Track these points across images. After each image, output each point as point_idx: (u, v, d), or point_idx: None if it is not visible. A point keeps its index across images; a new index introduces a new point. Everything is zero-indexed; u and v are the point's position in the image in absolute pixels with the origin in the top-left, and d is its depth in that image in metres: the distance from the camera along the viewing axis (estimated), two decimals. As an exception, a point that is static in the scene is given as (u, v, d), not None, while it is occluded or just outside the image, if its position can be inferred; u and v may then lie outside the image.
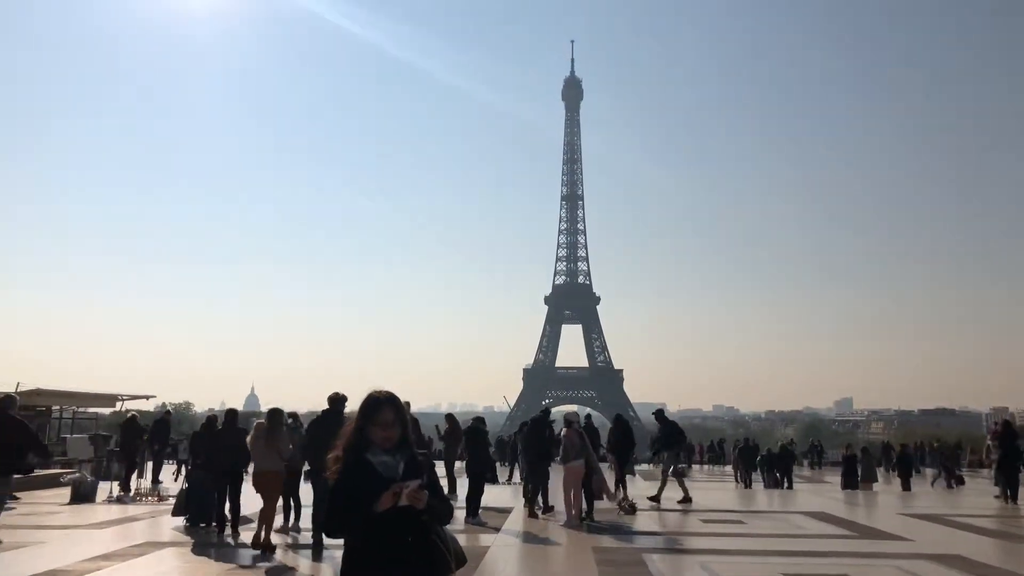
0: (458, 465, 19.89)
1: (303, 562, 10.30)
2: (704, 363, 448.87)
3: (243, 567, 10.05)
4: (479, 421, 16.61)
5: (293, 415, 14.45)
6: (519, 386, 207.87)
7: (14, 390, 21.31)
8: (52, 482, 20.25)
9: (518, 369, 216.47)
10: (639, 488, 21.17)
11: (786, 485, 28.23)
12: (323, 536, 10.33)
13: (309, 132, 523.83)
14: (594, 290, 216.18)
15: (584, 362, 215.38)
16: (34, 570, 9.39)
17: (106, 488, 18.85)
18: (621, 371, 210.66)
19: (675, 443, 18.36)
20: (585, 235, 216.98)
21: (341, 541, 3.66)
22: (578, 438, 14.38)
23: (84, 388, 29.74)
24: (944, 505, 20.20)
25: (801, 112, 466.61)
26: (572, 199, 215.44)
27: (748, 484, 29.10)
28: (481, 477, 15.18)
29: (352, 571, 3.57)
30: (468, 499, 14.66)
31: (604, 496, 15.32)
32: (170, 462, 29.36)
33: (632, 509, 15.77)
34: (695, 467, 45.35)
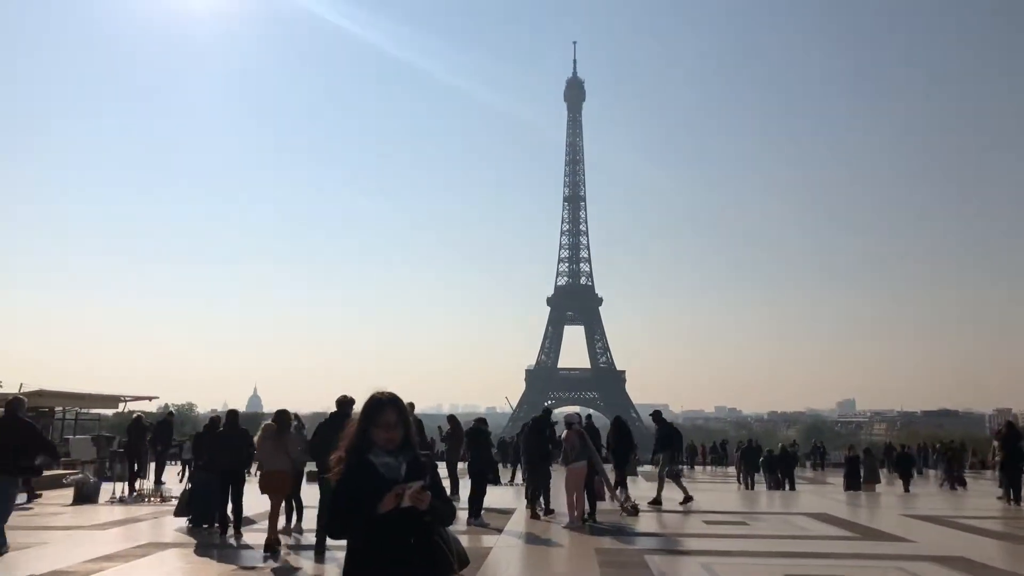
0: (460, 466, 19.90)
1: (306, 563, 10.30)
2: (706, 364, 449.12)
3: (246, 568, 10.06)
4: (481, 422, 16.62)
5: (295, 416, 14.49)
6: (521, 387, 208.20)
7: (17, 391, 21.36)
8: (55, 483, 20.28)
9: (520, 370, 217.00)
10: (641, 490, 21.16)
11: (788, 486, 28.20)
12: (326, 537, 10.37)
13: (310, 132, 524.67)
14: (596, 291, 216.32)
15: (586, 363, 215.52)
16: (37, 571, 9.40)
17: (109, 489, 18.88)
18: (623, 372, 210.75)
19: (670, 444, 18.35)
20: (587, 236, 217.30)
21: (344, 542, 3.67)
22: (579, 439, 14.36)
23: (87, 389, 29.78)
24: (947, 506, 20.18)
25: (803, 113, 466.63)
26: (574, 200, 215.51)
27: (750, 485, 29.10)
28: (483, 478, 15.19)
29: (355, 572, 3.57)
30: (470, 500, 14.67)
31: (606, 497, 15.32)
32: (173, 463, 29.43)
33: (635, 510, 15.77)
34: (698, 468, 45.39)
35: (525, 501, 15.97)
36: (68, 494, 18.12)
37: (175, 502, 14.84)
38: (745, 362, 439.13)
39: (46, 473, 20.30)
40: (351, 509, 3.54)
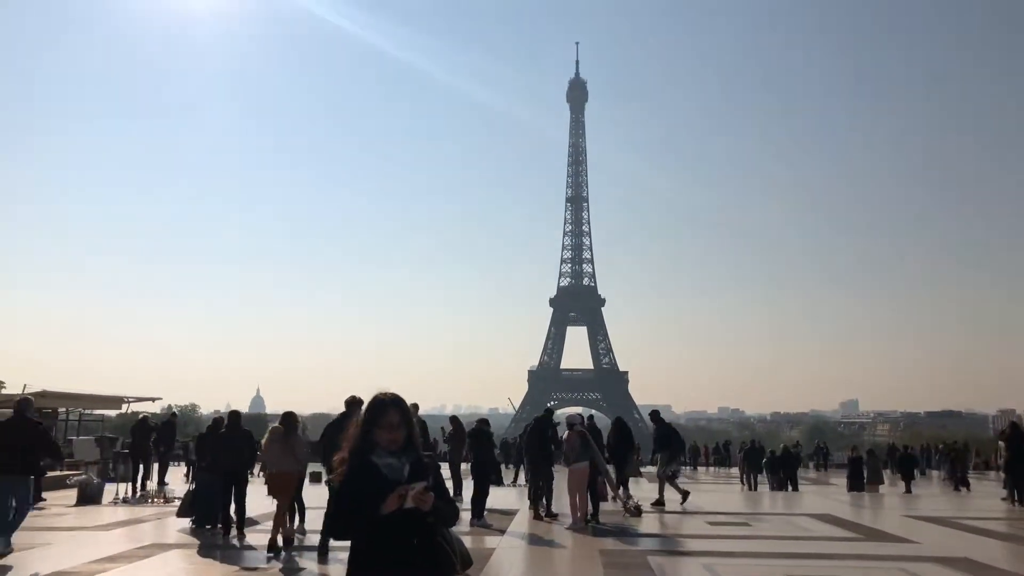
0: (463, 467, 19.91)
1: (309, 564, 10.31)
2: (709, 365, 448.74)
3: (249, 569, 10.08)
4: (483, 423, 16.64)
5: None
6: (524, 388, 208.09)
7: (21, 391, 21.40)
8: (59, 484, 20.32)
9: (523, 371, 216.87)
10: (644, 491, 21.14)
11: (791, 487, 28.16)
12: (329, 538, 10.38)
13: (311, 133, 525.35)
14: (599, 292, 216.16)
15: (589, 364, 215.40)
16: (41, 572, 9.42)
17: (112, 490, 18.91)
18: (626, 373, 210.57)
19: (669, 444, 18.33)
20: (590, 237, 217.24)
21: (347, 543, 3.67)
22: (579, 440, 14.34)
23: (90, 390, 29.82)
24: (950, 507, 20.14)
25: (805, 113, 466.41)
26: (577, 201, 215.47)
27: (753, 487, 29.05)
28: (486, 479, 15.19)
29: (358, 573, 3.58)
30: (473, 501, 14.68)
31: (608, 498, 15.31)
32: (177, 464, 29.47)
33: (637, 511, 15.75)
34: (700, 469, 45.36)
35: (528, 502, 15.97)
36: (72, 495, 18.16)
37: (178, 503, 14.87)
38: (748, 363, 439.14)
39: (50, 474, 20.36)
40: (354, 510, 3.54)
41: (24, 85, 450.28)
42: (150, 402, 32.10)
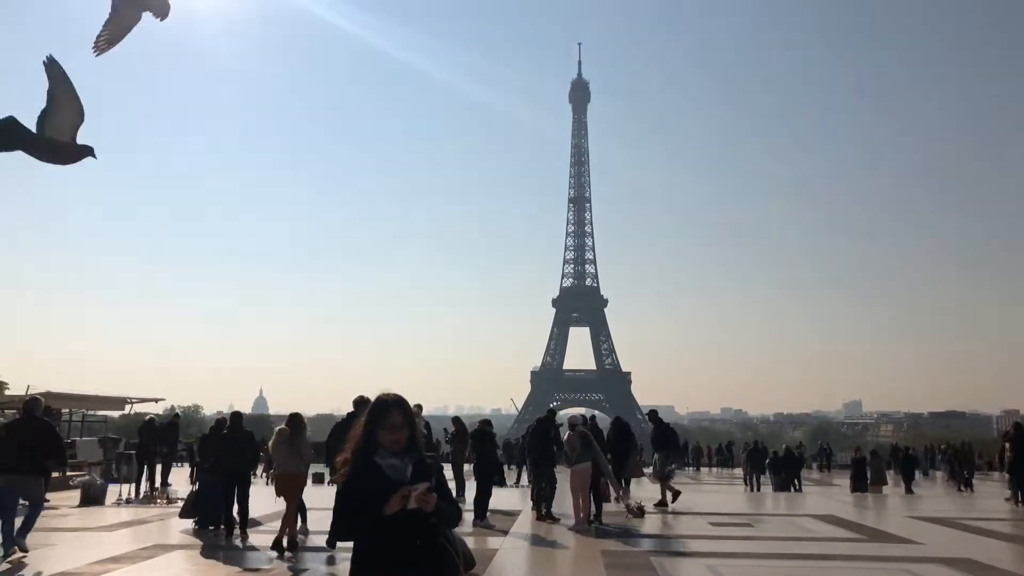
0: (466, 468, 19.92)
1: (311, 565, 10.32)
2: (712, 366, 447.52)
3: (251, 570, 10.09)
4: (486, 424, 16.65)
5: None
6: (527, 389, 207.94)
7: (24, 392, 21.44)
8: (62, 485, 20.36)
9: (525, 372, 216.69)
10: (647, 491, 21.13)
11: (794, 488, 28.14)
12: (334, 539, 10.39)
13: (312, 133, 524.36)
14: (602, 292, 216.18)
15: (592, 365, 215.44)
16: (45, 572, 9.46)
17: (116, 491, 18.94)
18: (629, 374, 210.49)
19: (666, 444, 18.31)
20: (592, 237, 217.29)
21: (350, 544, 3.67)
22: (580, 441, 14.32)
23: (93, 391, 29.84)
24: (953, 508, 20.12)
25: (810, 113, 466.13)
26: (579, 201, 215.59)
27: (755, 487, 29.02)
28: (489, 480, 15.19)
29: (361, 574, 3.58)
30: (476, 502, 14.69)
31: (611, 498, 15.31)
32: (180, 465, 29.50)
33: (640, 512, 15.74)
34: (704, 470, 45.31)
35: (531, 503, 15.97)
36: (75, 496, 18.20)
37: (181, 504, 14.90)
38: (751, 363, 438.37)
39: (53, 475, 20.41)
40: (357, 511, 3.55)
41: (24, 84, 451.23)
42: (153, 403, 32.08)
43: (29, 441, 10.80)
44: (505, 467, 27.56)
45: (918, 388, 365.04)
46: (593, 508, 14.45)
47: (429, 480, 3.59)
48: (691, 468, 45.23)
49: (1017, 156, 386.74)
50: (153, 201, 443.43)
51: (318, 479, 23.76)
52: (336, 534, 3.67)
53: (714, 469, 46.37)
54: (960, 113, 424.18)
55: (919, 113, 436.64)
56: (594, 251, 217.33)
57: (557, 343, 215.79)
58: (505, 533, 13.18)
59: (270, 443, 11.95)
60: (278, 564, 10.32)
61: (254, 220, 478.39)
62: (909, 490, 26.93)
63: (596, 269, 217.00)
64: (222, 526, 12.86)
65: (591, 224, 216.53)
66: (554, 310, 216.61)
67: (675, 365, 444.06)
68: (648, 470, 31.60)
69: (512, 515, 15.70)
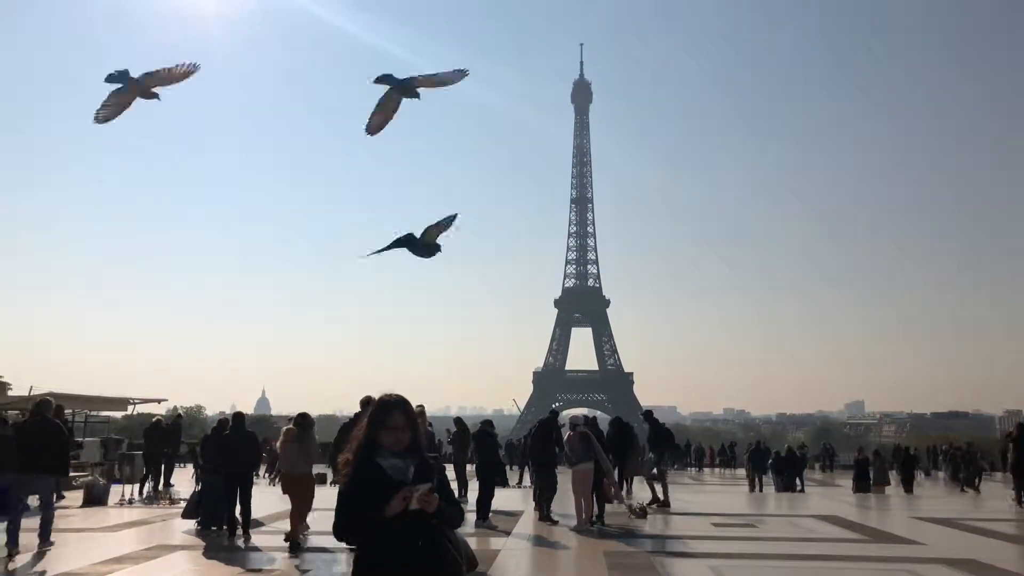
0: (468, 468, 19.91)
1: (314, 566, 10.32)
2: (714, 366, 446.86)
3: (254, 570, 10.10)
4: (487, 424, 16.65)
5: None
6: (529, 389, 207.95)
7: (27, 393, 21.50)
8: (65, 485, 20.36)
9: (528, 372, 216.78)
10: (648, 492, 21.08)
11: (797, 488, 28.10)
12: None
13: (312, 133, 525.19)
14: (604, 293, 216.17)
15: (594, 365, 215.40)
16: (48, 572, 9.47)
17: (118, 491, 18.96)
18: (631, 374, 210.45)
19: (659, 445, 18.28)
20: (595, 238, 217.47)
21: (352, 544, 3.67)
22: (581, 441, 14.28)
23: (95, 391, 29.87)
24: (957, 509, 20.06)
25: (811, 114, 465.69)
26: (581, 202, 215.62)
27: (755, 487, 28.96)
28: (491, 480, 15.18)
29: (362, 575, 3.58)
30: (478, 502, 14.68)
31: (613, 499, 15.29)
32: (183, 465, 29.51)
33: (643, 513, 15.73)
34: (706, 471, 45.27)
35: (533, 503, 15.96)
36: (78, 496, 18.21)
37: (184, 504, 14.91)
38: (753, 364, 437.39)
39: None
40: (359, 511, 3.55)
41: (25, 85, 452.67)
42: (155, 403, 32.16)
43: (39, 442, 10.85)
44: (507, 468, 27.56)
45: (920, 388, 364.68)
46: (595, 509, 14.44)
47: (431, 481, 3.59)
48: (694, 469, 45.21)
49: (1017, 156, 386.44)
50: (154, 201, 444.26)
51: (320, 480, 23.76)
52: (338, 535, 3.67)
53: (716, 470, 46.33)
54: (961, 113, 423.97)
55: (920, 113, 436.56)
56: (596, 251, 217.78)
57: (559, 343, 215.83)
58: (508, 534, 13.17)
59: (278, 442, 11.99)
60: (280, 565, 10.33)
61: (255, 220, 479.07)
62: (909, 490, 26.89)
63: (598, 269, 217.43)
64: (225, 527, 12.87)
65: (593, 224, 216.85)
66: (556, 310, 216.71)
67: (677, 365, 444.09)
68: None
69: (514, 516, 15.69)
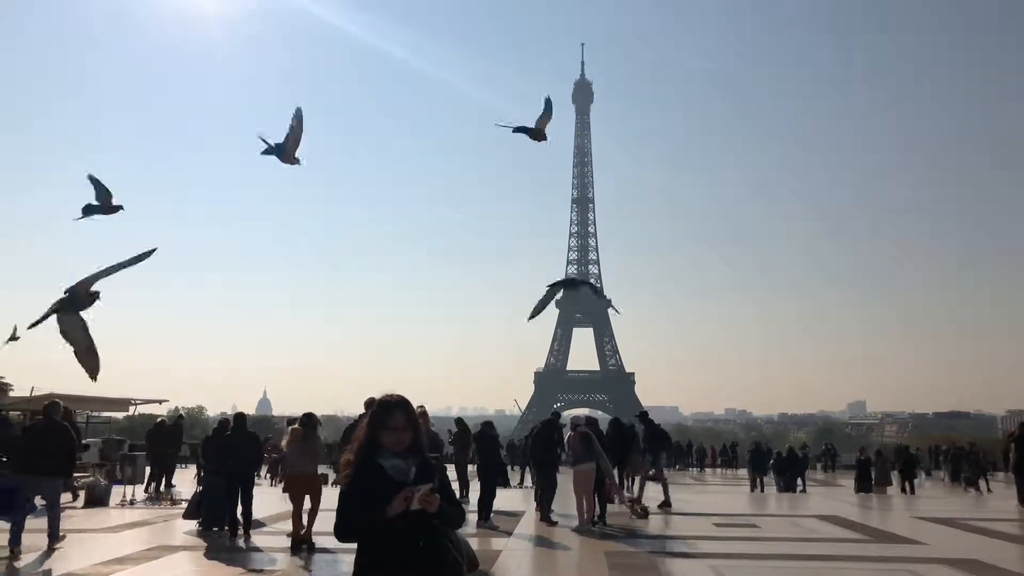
0: (470, 469, 19.92)
1: (315, 566, 10.32)
2: (716, 366, 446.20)
3: (255, 571, 10.10)
4: (488, 425, 16.65)
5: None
6: (530, 390, 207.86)
7: (29, 394, 21.51)
8: (66, 486, 20.37)
9: (529, 373, 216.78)
10: (650, 492, 21.08)
11: (799, 489, 28.09)
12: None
13: (312, 133, 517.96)
14: (605, 293, 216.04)
15: (596, 365, 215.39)
16: (49, 573, 9.47)
17: (119, 492, 18.96)
18: (632, 374, 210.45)
19: (655, 445, 18.26)
20: (596, 238, 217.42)
21: (353, 545, 3.67)
22: (582, 442, 14.27)
23: (96, 392, 29.85)
24: (959, 509, 20.04)
25: (812, 115, 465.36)
26: (582, 202, 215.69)
27: (760, 488, 28.95)
28: (492, 481, 15.17)
29: (364, 575, 3.58)
30: (480, 503, 14.68)
31: (615, 499, 15.28)
32: (184, 466, 29.51)
33: (644, 513, 15.72)
34: (708, 471, 45.24)
35: (535, 504, 15.96)
36: (79, 497, 18.22)
37: (185, 505, 14.91)
38: (755, 364, 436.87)
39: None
40: (360, 512, 3.55)
41: (25, 85, 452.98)
42: (157, 404, 32.19)
43: (46, 443, 10.87)
44: (509, 468, 27.56)
45: (922, 388, 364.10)
46: (597, 509, 14.43)
47: (432, 481, 3.59)
48: (695, 469, 45.18)
49: (1017, 156, 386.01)
50: (154, 201, 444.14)
51: (322, 480, 23.74)
52: (339, 535, 3.67)
53: (718, 470, 46.30)
54: (961, 113, 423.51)
55: (920, 113, 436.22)
56: (597, 251, 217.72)
57: (561, 344, 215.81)
58: (509, 534, 13.18)
59: (283, 442, 12.00)
60: (281, 565, 10.33)
61: (255, 220, 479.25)
62: (909, 490, 26.87)
63: (599, 269, 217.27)
64: (226, 527, 12.87)
65: (594, 224, 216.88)
66: (557, 311, 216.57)
67: (679, 366, 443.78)
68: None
69: (516, 516, 15.69)
